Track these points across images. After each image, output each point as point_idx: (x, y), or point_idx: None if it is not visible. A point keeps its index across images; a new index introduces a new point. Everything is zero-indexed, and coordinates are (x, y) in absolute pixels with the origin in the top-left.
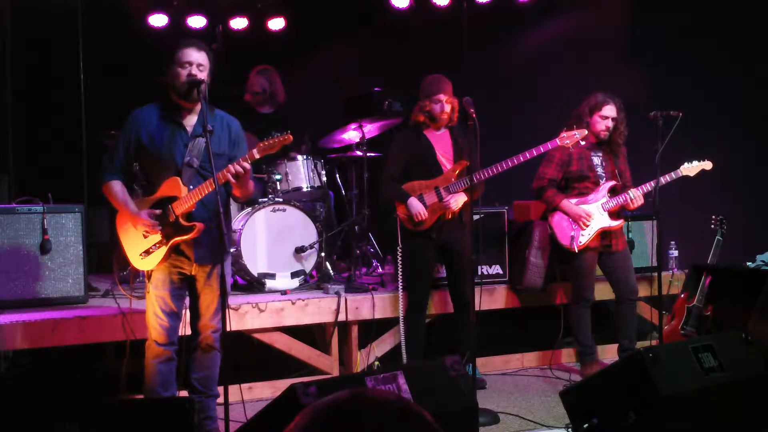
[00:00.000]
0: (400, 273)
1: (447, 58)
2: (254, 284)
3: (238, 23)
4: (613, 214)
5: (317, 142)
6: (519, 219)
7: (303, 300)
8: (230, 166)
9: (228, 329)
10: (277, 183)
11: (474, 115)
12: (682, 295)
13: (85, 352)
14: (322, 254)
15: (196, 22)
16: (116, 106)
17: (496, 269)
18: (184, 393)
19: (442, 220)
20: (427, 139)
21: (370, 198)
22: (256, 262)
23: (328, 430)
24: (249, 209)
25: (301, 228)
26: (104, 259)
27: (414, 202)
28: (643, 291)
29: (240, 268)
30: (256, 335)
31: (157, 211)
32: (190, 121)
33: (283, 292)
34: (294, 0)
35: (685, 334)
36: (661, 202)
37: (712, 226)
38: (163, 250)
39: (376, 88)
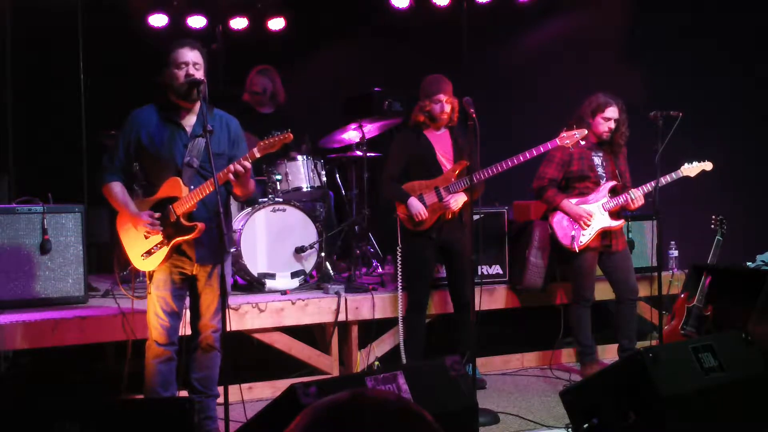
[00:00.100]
0: (400, 273)
1: (447, 58)
2: (254, 284)
3: (238, 23)
4: (614, 214)
5: (317, 142)
6: (519, 219)
7: (303, 300)
8: (231, 165)
9: (228, 329)
10: (277, 183)
11: (474, 115)
12: (682, 295)
13: (85, 352)
14: (322, 254)
15: (196, 22)
16: (116, 106)
17: (496, 269)
18: (184, 393)
19: (442, 220)
20: (427, 139)
21: (370, 198)
22: (256, 262)
23: (328, 430)
24: (249, 209)
25: (301, 228)
26: (104, 259)
27: (414, 202)
28: (643, 291)
29: (240, 268)
30: (256, 335)
31: (156, 214)
32: (190, 121)
33: (283, 292)
34: (294, 0)
35: (685, 334)
36: (661, 202)
37: (712, 226)
38: (165, 250)
39: (376, 88)
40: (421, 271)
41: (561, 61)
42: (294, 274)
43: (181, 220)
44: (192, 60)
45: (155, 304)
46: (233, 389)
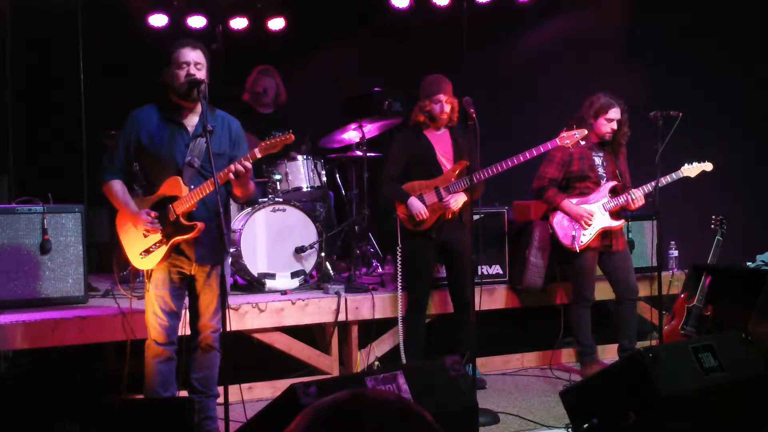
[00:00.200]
0: (400, 273)
1: (447, 58)
2: (254, 284)
3: (238, 23)
4: (614, 214)
5: (317, 142)
6: (519, 219)
7: (303, 300)
8: (231, 165)
9: (228, 329)
10: (277, 183)
11: (474, 115)
12: (682, 295)
13: (85, 352)
14: (322, 254)
15: (196, 22)
16: (116, 106)
17: (496, 269)
18: (184, 393)
19: (442, 220)
20: (427, 139)
21: (370, 198)
22: (256, 262)
23: (328, 430)
24: (249, 209)
25: (301, 228)
26: (104, 259)
27: (414, 202)
28: (643, 291)
29: (240, 268)
30: (256, 335)
31: (154, 213)
32: (192, 121)
33: (283, 292)
34: (294, 0)
35: (685, 334)
36: (661, 202)
37: (712, 226)
38: (164, 249)
39: (376, 88)
40: (421, 271)
41: (561, 61)
42: (294, 274)
43: (181, 219)
44: (194, 60)
45: (154, 303)
46: (233, 389)
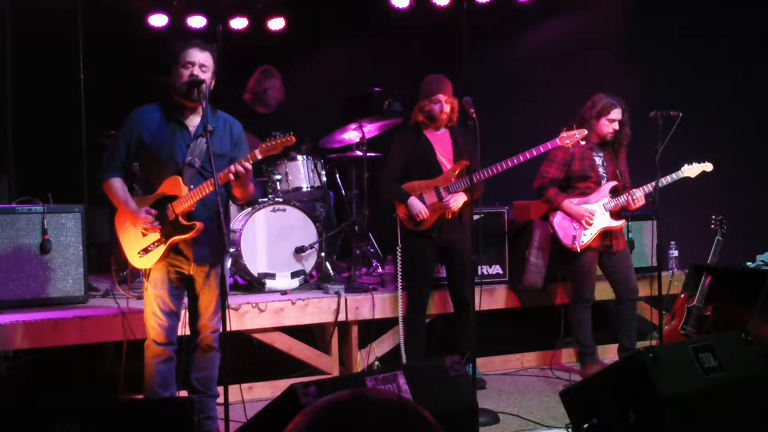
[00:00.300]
0: (400, 273)
1: (447, 58)
2: (254, 284)
3: (238, 23)
4: (615, 214)
5: (317, 142)
6: (519, 219)
7: (303, 300)
8: (231, 166)
9: (228, 329)
10: (277, 183)
11: (474, 115)
12: (682, 295)
13: (85, 352)
14: (322, 254)
15: (196, 22)
16: (116, 106)
17: (496, 269)
18: (184, 393)
19: (442, 220)
20: (427, 139)
21: (370, 198)
22: (256, 262)
23: (328, 430)
24: (249, 209)
25: (301, 228)
26: (104, 259)
27: (415, 202)
28: (643, 291)
29: (240, 268)
30: (256, 335)
31: (153, 212)
32: (193, 121)
33: (283, 292)
34: (294, 0)
35: (685, 334)
36: (661, 202)
37: (712, 226)
38: (162, 248)
39: (376, 88)
40: (421, 271)
41: (561, 61)
42: (294, 274)
43: (180, 218)
44: (199, 61)
45: (152, 303)
46: (233, 389)
